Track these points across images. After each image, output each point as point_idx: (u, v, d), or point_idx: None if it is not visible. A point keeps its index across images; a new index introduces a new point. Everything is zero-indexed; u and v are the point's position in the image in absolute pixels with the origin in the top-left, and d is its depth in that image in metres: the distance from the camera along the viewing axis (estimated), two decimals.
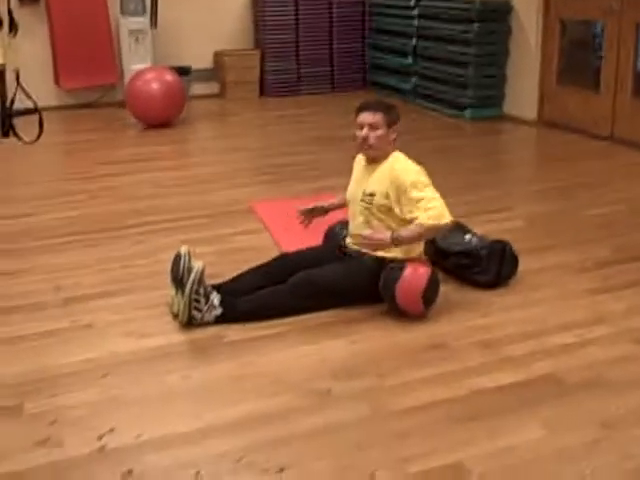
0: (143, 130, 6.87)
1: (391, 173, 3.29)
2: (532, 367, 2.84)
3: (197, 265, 3.16)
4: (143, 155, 6.03)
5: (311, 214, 3.68)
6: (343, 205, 3.66)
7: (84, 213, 4.64)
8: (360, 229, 3.37)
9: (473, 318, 3.24)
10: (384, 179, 3.31)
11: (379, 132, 3.29)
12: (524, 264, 3.63)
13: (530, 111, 6.92)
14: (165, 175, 5.48)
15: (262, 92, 8.42)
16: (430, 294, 3.21)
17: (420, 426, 2.50)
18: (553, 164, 5.70)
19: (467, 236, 3.70)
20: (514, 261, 3.56)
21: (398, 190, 3.24)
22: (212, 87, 8.40)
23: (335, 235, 3.70)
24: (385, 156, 3.36)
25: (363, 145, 3.35)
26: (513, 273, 3.57)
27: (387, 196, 3.28)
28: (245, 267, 3.64)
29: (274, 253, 3.91)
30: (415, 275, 3.18)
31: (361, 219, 3.40)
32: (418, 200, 3.19)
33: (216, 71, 8.37)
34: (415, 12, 7.69)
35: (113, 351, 3.01)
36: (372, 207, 3.34)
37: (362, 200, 3.38)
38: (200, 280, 3.15)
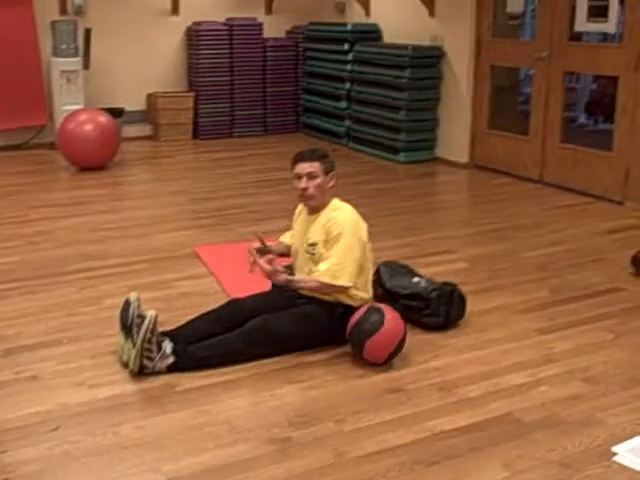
0: (76, 173, 6.75)
1: (327, 222, 3.34)
2: (488, 408, 2.89)
3: (150, 313, 3.11)
4: (78, 198, 5.92)
5: (261, 253, 3.64)
6: (287, 254, 3.67)
7: (23, 259, 4.51)
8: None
9: (426, 360, 3.27)
10: (322, 227, 3.36)
11: (317, 181, 3.33)
12: (470, 305, 3.71)
13: (462, 154, 7.11)
14: (103, 219, 5.39)
15: (195, 134, 8.40)
16: (399, 349, 3.24)
17: (385, 471, 2.50)
18: (487, 206, 5.86)
19: (415, 279, 3.76)
20: (462, 303, 3.63)
21: (327, 238, 3.31)
22: (144, 129, 8.32)
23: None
24: (325, 205, 3.40)
25: (303, 196, 3.39)
26: (462, 315, 3.63)
27: (325, 244, 3.33)
28: (193, 313, 3.61)
29: (221, 298, 3.89)
30: (392, 332, 3.18)
31: (306, 270, 3.43)
32: (331, 254, 3.27)
33: (149, 113, 8.32)
34: (349, 57, 7.84)
35: (63, 403, 2.92)
36: (315, 257, 3.38)
37: (306, 251, 3.42)
38: (153, 329, 3.10)
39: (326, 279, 3.26)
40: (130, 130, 8.00)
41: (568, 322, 3.67)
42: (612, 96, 8.40)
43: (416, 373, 3.16)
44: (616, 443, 2.62)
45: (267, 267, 3.32)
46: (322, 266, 3.30)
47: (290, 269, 3.58)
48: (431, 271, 4.14)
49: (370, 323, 3.18)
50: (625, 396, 2.96)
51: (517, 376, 3.13)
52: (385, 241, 4.75)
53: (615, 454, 2.56)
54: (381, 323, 3.16)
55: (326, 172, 3.37)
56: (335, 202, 3.44)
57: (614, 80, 7.78)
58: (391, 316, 3.21)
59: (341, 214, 3.35)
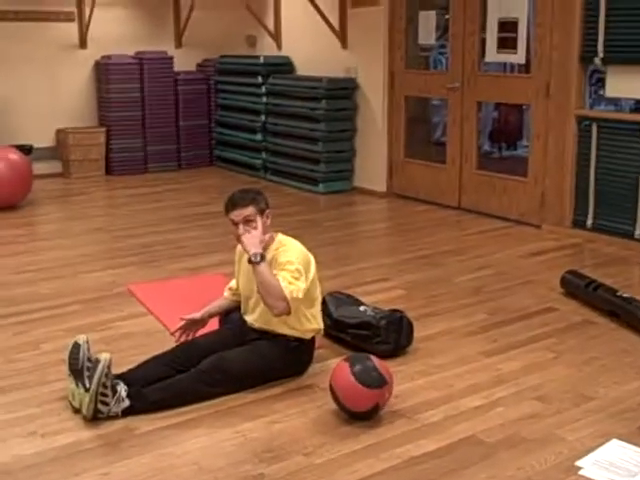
0: None
1: (272, 254, 3.34)
2: (452, 431, 2.95)
3: (104, 357, 3.03)
4: None
5: (195, 326, 3.56)
6: (229, 307, 3.62)
7: None
8: (263, 319, 3.36)
9: None
10: (270, 265, 3.31)
11: (255, 224, 3.29)
12: (415, 332, 3.78)
13: (380, 184, 7.27)
14: (24, 260, 5.22)
15: (108, 170, 8.26)
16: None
17: None
18: (412, 234, 6.00)
19: (362, 307, 3.82)
20: (410, 329, 3.70)
21: (276, 265, 3.28)
22: (54, 166, 8.14)
23: (233, 318, 3.65)
24: (268, 244, 3.37)
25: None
26: (410, 341, 3.70)
27: (276, 268, 3.32)
28: (139, 353, 3.56)
29: (165, 337, 3.84)
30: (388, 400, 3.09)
31: (258, 313, 3.40)
32: (284, 271, 3.23)
33: (59, 149, 8.13)
34: (263, 89, 7.91)
35: (17, 454, 2.81)
36: None
37: (259, 292, 3.35)
38: (107, 373, 3.02)
39: (286, 286, 3.17)
40: (40, 167, 7.78)
41: (510, 344, 3.79)
42: (513, 123, 8.87)
43: None
44: (579, 458, 2.73)
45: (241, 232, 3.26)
46: (281, 275, 3.23)
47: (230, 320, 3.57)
48: (370, 299, 4.19)
49: (364, 415, 3.01)
50: (578, 412, 3.08)
51: (473, 398, 3.21)
52: (319, 272, 4.77)
53: (580, 468, 2.66)
54: (375, 415, 3.03)
55: (261, 212, 3.33)
56: (280, 239, 3.43)
57: (517, 108, 8.24)
58: (384, 404, 3.05)
59: (287, 247, 3.35)
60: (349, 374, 3.03)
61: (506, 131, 8.85)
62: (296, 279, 3.23)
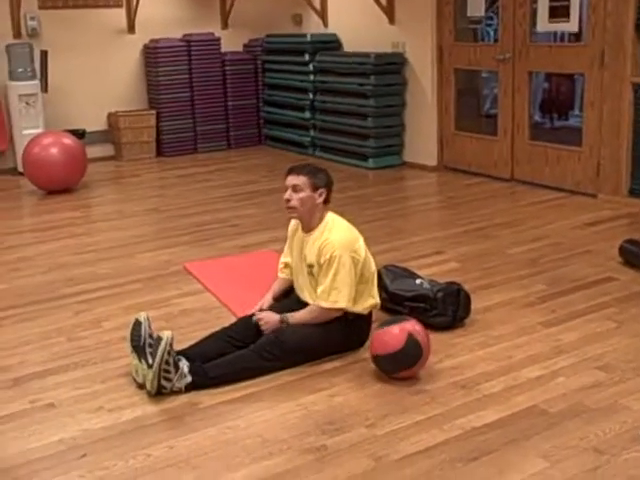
0: (43, 197, 6.64)
1: (320, 242, 3.34)
2: (513, 402, 2.93)
3: (166, 334, 3.07)
4: (52, 222, 5.81)
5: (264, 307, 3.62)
6: (287, 286, 3.66)
7: (9, 287, 4.42)
8: (314, 297, 3.39)
9: (441, 360, 3.31)
10: (315, 249, 3.35)
11: (302, 195, 3.33)
12: (472, 304, 3.75)
13: (430, 157, 7.21)
14: (82, 241, 5.32)
15: (159, 152, 8.34)
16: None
17: (427, 471, 2.52)
18: (464, 207, 5.94)
19: (418, 281, 3.80)
20: (468, 302, 3.68)
21: (319, 260, 3.32)
22: (107, 149, 8.24)
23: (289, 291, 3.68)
24: (317, 223, 3.40)
25: (287, 207, 3.40)
26: (468, 313, 3.68)
27: (319, 268, 3.34)
28: (198, 329, 3.63)
29: (223, 313, 3.90)
30: (425, 359, 3.16)
31: (308, 290, 3.44)
32: (326, 279, 3.27)
33: (110, 133, 8.23)
34: (310, 67, 7.89)
35: (86, 429, 2.87)
36: (315, 277, 3.39)
37: (308, 273, 3.41)
38: (170, 350, 3.06)
39: (323, 303, 3.28)
40: (92, 151, 7.86)
41: (570, 314, 3.75)
42: (565, 93, 8.70)
43: (434, 374, 3.19)
44: None
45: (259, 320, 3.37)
46: (318, 290, 3.32)
47: (288, 296, 3.61)
48: (424, 272, 4.18)
49: (409, 357, 3.11)
50: None
51: (533, 369, 3.19)
52: (371, 247, 4.74)
53: None
54: (419, 357, 3.12)
55: (314, 188, 3.35)
56: (329, 219, 3.42)
57: (568, 77, 8.08)
58: (426, 346, 3.15)
59: (333, 236, 3.33)
60: (375, 331, 3.26)
61: (557, 101, 8.69)
62: (336, 289, 3.26)
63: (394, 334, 3.13)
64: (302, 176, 3.36)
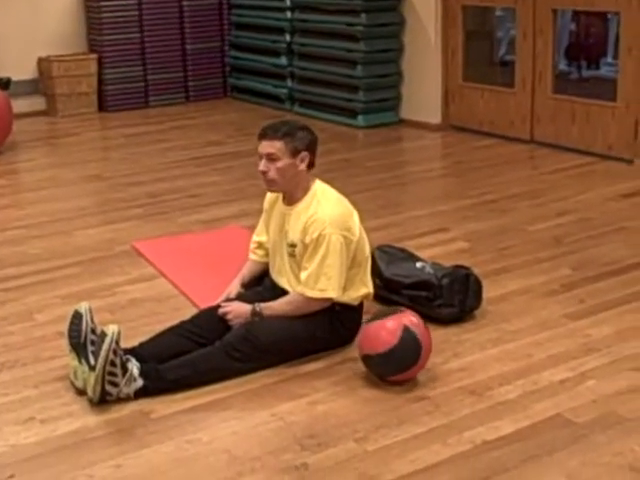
0: None
1: (304, 219, 3.33)
2: (532, 410, 2.96)
3: (111, 330, 3.05)
4: None
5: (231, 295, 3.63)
6: (260, 271, 3.67)
7: None
8: (295, 283, 3.39)
9: (447, 360, 3.32)
10: (299, 226, 3.34)
11: (280, 164, 3.31)
12: (484, 292, 3.77)
13: (433, 114, 7.21)
14: (9, 215, 5.32)
15: (102, 106, 8.32)
16: None
17: None
18: (473, 174, 5.96)
19: (419, 264, 3.81)
20: (479, 289, 3.69)
21: (305, 240, 3.31)
22: (37, 103, 8.22)
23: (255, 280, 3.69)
24: (302, 193, 3.39)
25: (264, 180, 3.39)
26: (478, 303, 3.70)
27: (305, 248, 3.33)
28: (151, 323, 3.64)
29: (181, 303, 3.91)
30: (425, 359, 3.17)
31: (288, 273, 3.44)
32: (312, 262, 3.26)
33: (41, 82, 8.19)
34: (287, 3, 7.85)
35: (14, 444, 2.87)
36: (297, 259, 3.39)
37: (288, 253, 3.41)
38: (116, 348, 3.05)
39: (308, 292, 3.27)
40: (19, 104, 7.77)
41: (601, 304, 3.78)
42: (595, 36, 8.72)
43: (438, 376, 3.21)
44: None
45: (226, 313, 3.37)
46: (302, 275, 3.31)
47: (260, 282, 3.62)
48: (427, 254, 4.20)
49: (406, 355, 3.11)
50: None
51: (557, 371, 3.22)
52: (364, 223, 4.78)
53: None
54: (418, 355, 3.12)
55: (294, 153, 3.32)
56: (317, 189, 3.41)
57: (600, 18, 8.09)
58: (426, 342, 3.16)
59: (323, 210, 3.32)
60: (363, 327, 3.29)
61: (586, 46, 8.73)
62: (324, 275, 3.25)
63: (387, 328, 3.14)
64: (277, 141, 3.32)
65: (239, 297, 3.53)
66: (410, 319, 3.17)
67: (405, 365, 3.13)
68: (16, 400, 3.12)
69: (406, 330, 3.11)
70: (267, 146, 3.33)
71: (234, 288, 3.61)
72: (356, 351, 3.32)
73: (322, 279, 3.26)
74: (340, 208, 3.37)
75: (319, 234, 3.26)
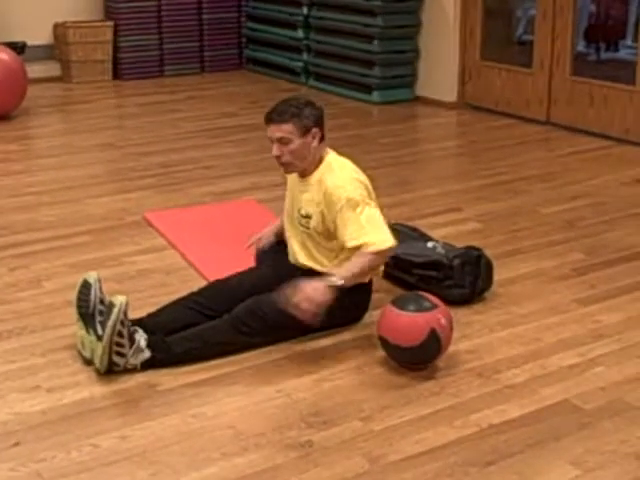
0: None
1: (322, 189, 3.30)
2: (540, 395, 2.95)
3: (119, 301, 3.04)
4: None
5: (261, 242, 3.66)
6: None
7: None
8: (306, 254, 3.39)
9: (454, 342, 3.28)
10: (316, 196, 3.32)
11: (292, 146, 3.27)
12: (495, 274, 3.75)
13: (449, 92, 7.17)
14: (21, 181, 5.30)
15: (116, 74, 8.28)
16: None
17: (433, 477, 2.53)
18: (488, 154, 5.93)
19: (430, 244, 3.79)
20: (490, 271, 3.67)
21: (332, 209, 3.27)
22: (52, 68, 8.18)
23: (269, 253, 3.66)
24: (316, 165, 3.36)
25: (279, 164, 3.36)
26: (489, 285, 3.68)
27: (324, 218, 3.30)
28: (158, 294, 3.65)
29: (190, 275, 3.91)
30: (447, 347, 3.15)
31: (299, 246, 3.42)
32: (355, 222, 3.21)
33: (57, 48, 8.16)
34: None
35: (19, 412, 2.87)
36: (311, 232, 3.37)
37: (299, 223, 3.39)
38: (123, 319, 3.05)
39: (374, 248, 3.16)
40: (34, 70, 7.75)
41: (612, 290, 3.76)
42: (615, 17, 8.62)
43: (446, 358, 3.18)
44: None
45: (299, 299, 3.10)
46: (350, 242, 3.20)
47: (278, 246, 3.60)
48: (438, 234, 4.18)
49: (424, 355, 3.10)
50: None
51: (566, 356, 3.20)
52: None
53: None
54: (435, 356, 3.11)
55: (304, 132, 3.28)
56: (329, 160, 3.37)
57: (622, 0, 7.99)
58: (446, 343, 3.12)
59: (341, 176, 3.29)
60: (392, 309, 3.13)
61: (606, 27, 8.61)
62: (373, 225, 3.19)
63: (416, 325, 3.05)
64: (285, 124, 3.27)
65: (270, 248, 3.58)
66: (440, 322, 3.07)
67: (417, 362, 3.11)
68: (23, 367, 3.13)
69: (433, 332, 3.04)
70: (276, 130, 3.28)
71: (265, 237, 3.62)
72: (364, 329, 3.33)
73: (375, 232, 3.19)
74: (357, 175, 3.36)
75: (347, 197, 3.22)
